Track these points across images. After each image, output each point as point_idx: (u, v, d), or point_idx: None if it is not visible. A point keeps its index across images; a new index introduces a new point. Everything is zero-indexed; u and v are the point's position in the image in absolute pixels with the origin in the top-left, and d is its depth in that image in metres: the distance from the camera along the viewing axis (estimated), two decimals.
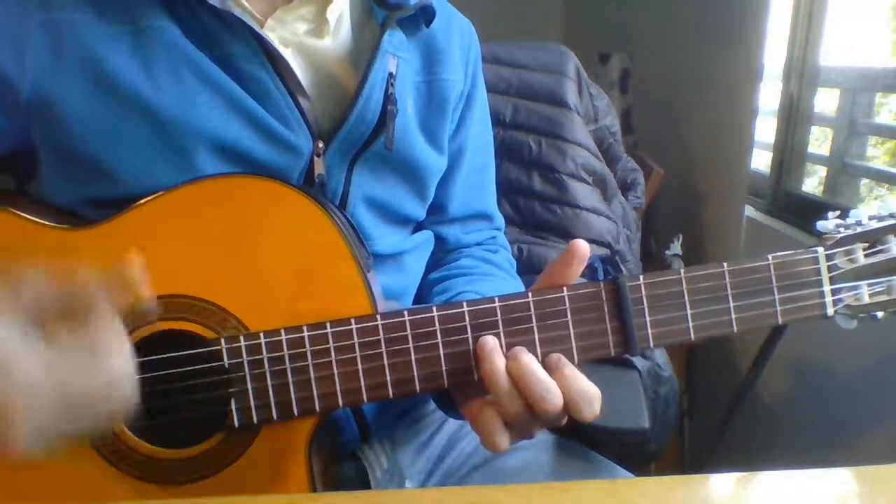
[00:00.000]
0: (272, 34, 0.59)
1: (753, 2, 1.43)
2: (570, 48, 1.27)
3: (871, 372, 1.14)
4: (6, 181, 0.63)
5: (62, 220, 0.55)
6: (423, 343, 0.52)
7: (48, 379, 0.39)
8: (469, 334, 0.52)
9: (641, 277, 0.53)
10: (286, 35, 0.60)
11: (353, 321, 0.52)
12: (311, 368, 0.52)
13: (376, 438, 0.69)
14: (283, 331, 0.52)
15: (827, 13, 1.39)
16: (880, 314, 0.57)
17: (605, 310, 0.53)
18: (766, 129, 1.54)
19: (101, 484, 0.53)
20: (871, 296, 0.56)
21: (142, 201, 0.54)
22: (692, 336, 0.53)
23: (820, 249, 0.55)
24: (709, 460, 1.40)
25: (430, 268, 0.77)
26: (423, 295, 0.74)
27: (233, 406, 0.53)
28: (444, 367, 0.53)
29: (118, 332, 0.42)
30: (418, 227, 0.75)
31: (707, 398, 1.62)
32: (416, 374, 0.53)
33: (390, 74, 0.62)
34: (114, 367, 0.41)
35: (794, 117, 1.47)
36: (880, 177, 1.37)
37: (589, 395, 0.50)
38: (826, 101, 1.46)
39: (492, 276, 0.73)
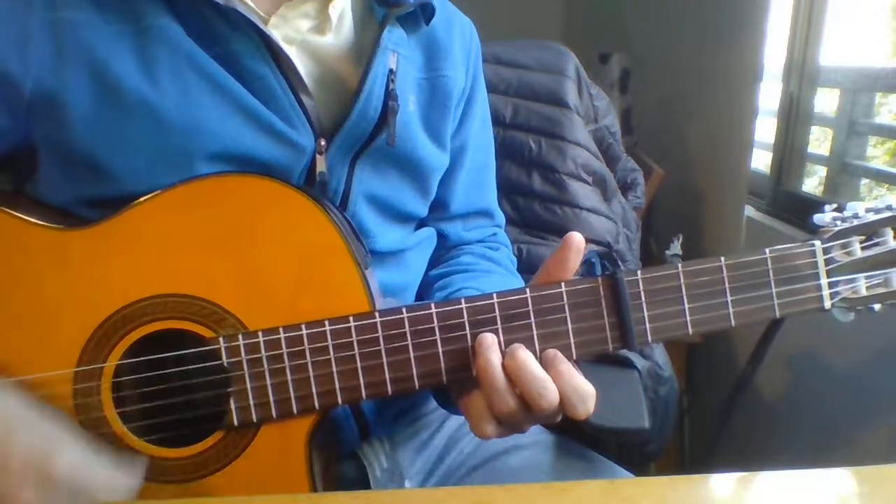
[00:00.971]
0: (276, 31, 0.59)
1: (753, 2, 1.43)
2: (570, 48, 1.27)
3: (869, 367, 1.14)
4: (5, 181, 0.63)
5: (58, 219, 0.55)
6: (422, 340, 0.53)
7: None
8: (467, 331, 0.53)
9: (639, 272, 0.53)
10: (290, 32, 0.60)
11: (351, 319, 0.52)
12: (309, 367, 0.52)
13: (376, 438, 0.69)
14: (281, 329, 0.52)
15: (827, 13, 1.39)
16: (877, 306, 0.57)
17: (603, 305, 0.53)
18: (766, 129, 1.54)
19: None
20: (868, 288, 0.56)
21: (138, 200, 0.54)
22: (690, 330, 0.54)
23: (817, 242, 0.55)
24: (709, 460, 1.40)
25: (431, 264, 0.77)
26: (423, 291, 0.74)
27: (232, 405, 0.53)
28: (442, 365, 0.53)
29: None
30: (420, 224, 0.75)
31: (707, 398, 1.62)
32: (414, 371, 0.53)
33: (391, 71, 0.62)
34: None
35: (794, 117, 1.47)
36: (880, 177, 1.37)
37: (584, 392, 0.51)
38: (826, 101, 1.46)
39: (492, 272, 0.73)
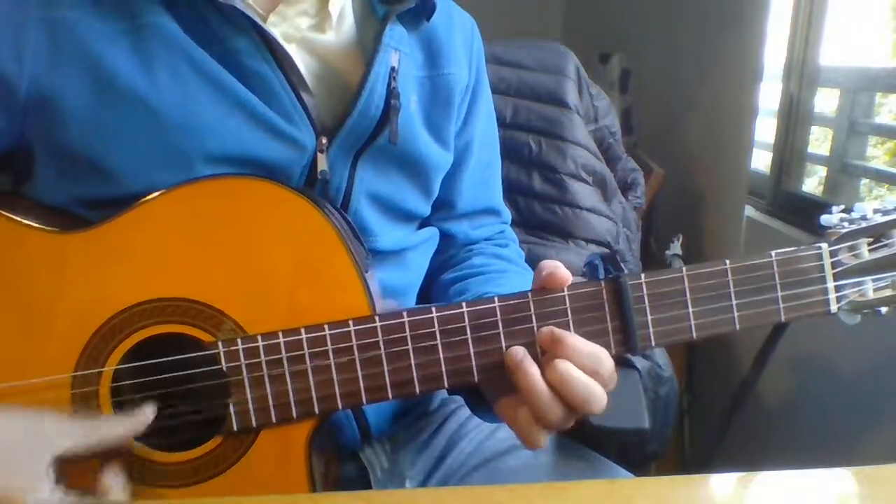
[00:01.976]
0: (275, 29, 0.58)
1: (753, 2, 1.43)
2: (570, 48, 1.27)
3: (872, 370, 1.13)
4: (2, 182, 0.63)
5: (57, 222, 0.55)
6: (423, 345, 0.52)
7: None
8: (469, 335, 0.52)
9: (643, 276, 0.53)
10: (289, 30, 0.60)
11: (351, 323, 0.52)
12: (309, 371, 0.52)
13: (377, 438, 0.69)
14: (280, 333, 0.52)
15: (827, 13, 1.39)
16: (884, 309, 0.56)
17: (606, 309, 0.53)
18: (766, 129, 1.53)
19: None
20: (875, 291, 0.55)
21: (136, 204, 0.53)
22: (694, 335, 0.53)
23: (823, 245, 0.55)
24: (709, 460, 1.40)
25: (440, 267, 0.76)
26: (437, 296, 0.74)
27: (231, 409, 0.52)
28: (443, 369, 0.52)
29: None
30: (423, 224, 0.74)
31: (707, 398, 1.62)
32: (415, 375, 0.52)
33: (392, 69, 0.62)
34: None
35: (794, 117, 1.47)
36: (880, 177, 1.36)
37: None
38: (826, 101, 1.46)
39: (506, 272, 0.73)
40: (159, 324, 0.53)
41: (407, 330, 0.52)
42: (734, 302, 0.53)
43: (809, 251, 0.55)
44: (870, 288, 0.55)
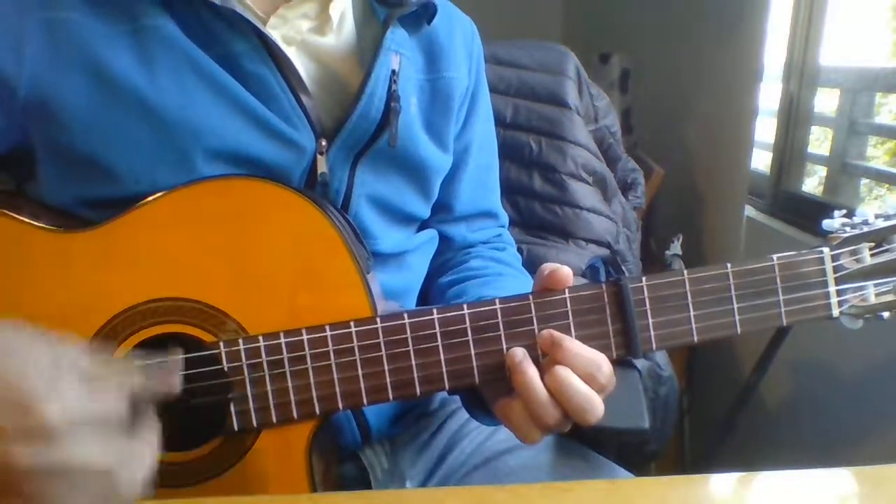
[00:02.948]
0: (275, 32, 0.59)
1: (753, 2, 1.43)
2: (570, 48, 1.27)
3: (873, 372, 1.13)
4: (5, 181, 0.63)
5: (60, 221, 0.55)
6: (424, 346, 0.52)
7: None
8: (469, 337, 0.52)
9: (644, 279, 0.53)
10: (289, 33, 0.60)
11: (352, 324, 0.52)
12: (310, 372, 0.52)
13: (377, 439, 0.69)
14: (282, 334, 0.52)
15: (827, 13, 1.39)
16: (886, 314, 0.56)
17: (608, 312, 0.53)
18: (766, 129, 1.53)
19: None
20: (877, 296, 0.55)
21: (139, 204, 0.53)
22: (695, 338, 0.53)
23: (825, 249, 0.55)
24: (709, 460, 1.40)
25: (438, 269, 0.76)
26: (435, 299, 0.74)
27: (232, 410, 0.52)
28: (444, 370, 0.53)
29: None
30: (422, 226, 0.75)
31: (707, 398, 1.62)
32: (416, 376, 0.52)
33: (393, 72, 0.62)
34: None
35: (794, 117, 1.47)
36: (880, 177, 1.37)
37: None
38: (826, 101, 1.46)
39: (504, 275, 0.73)
40: (161, 324, 0.53)
41: (408, 331, 0.52)
42: (735, 306, 0.53)
43: (811, 255, 0.54)
44: (871, 293, 0.55)
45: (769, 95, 1.48)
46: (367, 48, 0.64)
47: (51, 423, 0.37)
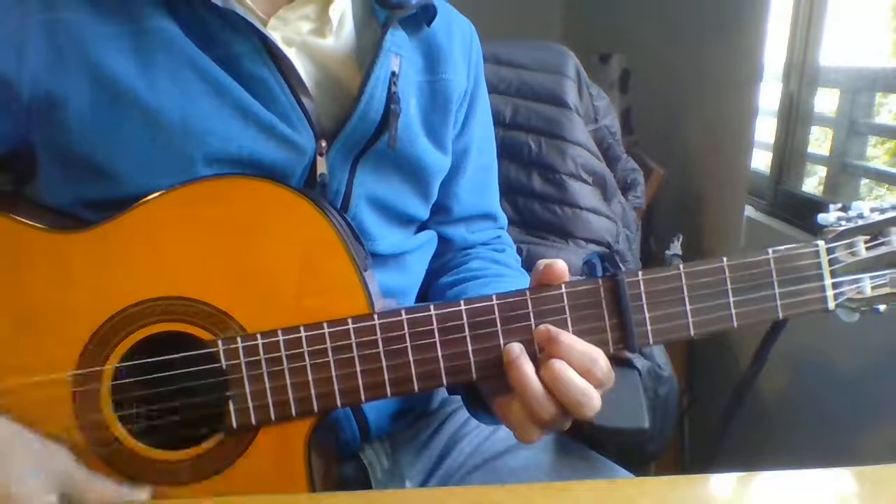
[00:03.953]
0: (275, 33, 0.59)
1: (753, 2, 1.43)
2: (570, 48, 1.27)
3: (871, 368, 1.13)
4: (5, 182, 0.63)
5: (59, 222, 0.55)
6: (421, 342, 0.52)
7: None
8: (467, 333, 0.52)
9: (640, 273, 0.53)
10: (290, 34, 0.60)
11: (350, 321, 0.52)
12: (308, 369, 0.52)
13: (377, 439, 0.69)
14: (280, 332, 0.52)
15: (827, 13, 1.39)
16: (882, 307, 0.56)
17: (604, 307, 0.53)
18: (766, 129, 1.54)
19: None
20: (873, 288, 0.56)
21: (138, 204, 0.54)
22: (692, 332, 0.53)
23: (820, 243, 0.55)
24: (709, 460, 1.40)
25: (437, 270, 0.77)
26: (434, 300, 0.74)
27: (231, 407, 0.52)
28: (442, 366, 0.53)
29: None
30: (421, 227, 0.75)
31: (707, 398, 1.62)
32: (413, 373, 0.53)
33: (393, 73, 0.62)
34: None
35: (794, 117, 1.47)
36: (880, 177, 1.37)
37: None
38: (826, 101, 1.46)
39: (504, 276, 0.73)
40: (160, 323, 0.53)
41: (405, 328, 0.52)
42: (731, 299, 0.53)
43: (806, 248, 0.55)
44: (867, 285, 0.55)
45: (769, 95, 1.48)
46: (367, 50, 0.64)
47: None
